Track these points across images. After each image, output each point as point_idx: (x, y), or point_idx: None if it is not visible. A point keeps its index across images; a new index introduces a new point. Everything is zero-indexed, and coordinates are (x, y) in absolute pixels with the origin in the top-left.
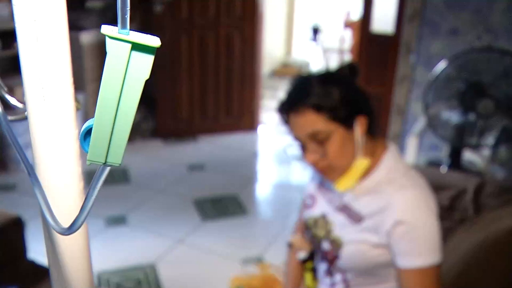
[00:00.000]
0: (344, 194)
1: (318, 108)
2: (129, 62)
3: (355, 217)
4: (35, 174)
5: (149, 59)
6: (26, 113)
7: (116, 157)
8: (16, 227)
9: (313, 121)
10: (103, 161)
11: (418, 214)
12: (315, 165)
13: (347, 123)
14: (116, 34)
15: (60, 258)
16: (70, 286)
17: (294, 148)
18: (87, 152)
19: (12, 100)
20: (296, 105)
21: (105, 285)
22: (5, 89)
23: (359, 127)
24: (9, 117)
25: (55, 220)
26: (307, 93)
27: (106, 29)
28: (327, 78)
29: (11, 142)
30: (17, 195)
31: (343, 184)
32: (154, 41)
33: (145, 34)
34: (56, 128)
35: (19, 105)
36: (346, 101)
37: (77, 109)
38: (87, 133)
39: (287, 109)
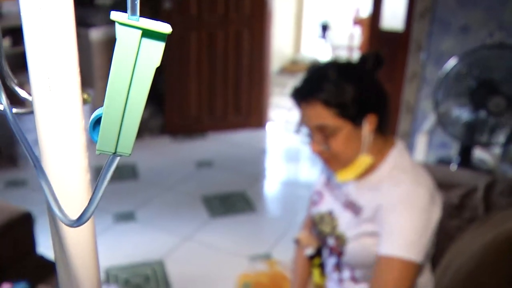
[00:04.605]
0: (347, 188)
1: (327, 104)
2: (140, 49)
3: (356, 210)
4: (41, 166)
5: (160, 46)
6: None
7: (126, 147)
8: (25, 222)
9: (321, 115)
10: (113, 151)
11: (407, 208)
12: (319, 155)
13: (355, 121)
14: (126, 20)
15: (66, 251)
16: (77, 279)
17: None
18: (96, 142)
19: (22, 93)
20: (307, 96)
21: (113, 281)
22: (15, 81)
23: (368, 125)
24: (15, 110)
25: (62, 212)
26: (320, 87)
27: (115, 15)
28: (345, 72)
29: (16, 134)
30: (27, 190)
31: (343, 175)
32: (165, 28)
33: (155, 21)
34: (62, 119)
35: (29, 97)
36: (358, 99)
37: (87, 102)
38: (96, 122)
39: (299, 97)
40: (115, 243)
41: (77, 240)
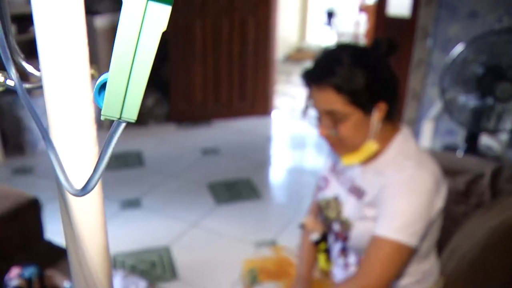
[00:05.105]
0: (353, 173)
1: (339, 89)
2: (145, 12)
3: (360, 194)
4: (49, 138)
5: (166, 9)
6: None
7: (131, 112)
8: (33, 208)
9: (332, 100)
10: (118, 116)
11: (408, 191)
12: (326, 138)
13: (366, 108)
14: None
15: (74, 221)
16: (86, 255)
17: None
18: (101, 107)
19: (29, 68)
20: (319, 80)
21: (120, 267)
22: (22, 56)
23: (377, 113)
24: (25, 85)
25: (68, 181)
26: (333, 72)
27: None
28: (359, 58)
29: (26, 108)
30: (34, 178)
31: (348, 159)
32: None
33: None
34: (70, 91)
35: (36, 73)
36: (370, 87)
37: (94, 77)
38: (102, 88)
39: (310, 79)
40: (121, 230)
41: (84, 209)
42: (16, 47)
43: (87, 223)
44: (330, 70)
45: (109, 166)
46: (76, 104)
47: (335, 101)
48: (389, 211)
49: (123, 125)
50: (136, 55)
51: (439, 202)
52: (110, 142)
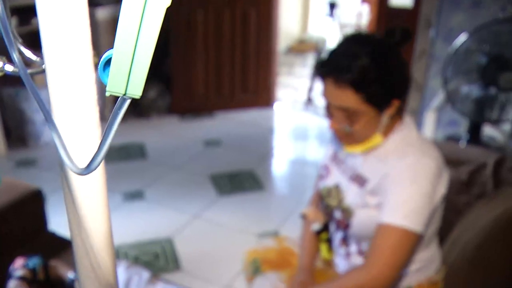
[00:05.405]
0: (355, 161)
1: (358, 89)
2: None
3: (362, 181)
4: (52, 119)
5: None
6: (43, 66)
7: (136, 89)
8: (36, 199)
9: (349, 98)
10: (123, 92)
11: (411, 177)
12: (335, 131)
13: (381, 107)
14: None
15: (76, 199)
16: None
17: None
18: (106, 84)
19: (28, 53)
20: (337, 76)
21: (123, 258)
22: (20, 40)
23: (390, 110)
24: (28, 70)
25: (72, 161)
26: (352, 70)
27: None
28: (378, 54)
29: (30, 93)
30: (37, 170)
31: (352, 148)
32: None
33: None
34: (73, 72)
35: (35, 58)
36: (387, 87)
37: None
38: (107, 64)
39: (327, 74)
40: (124, 222)
41: (87, 187)
42: (15, 32)
43: (90, 204)
44: (349, 68)
45: (111, 158)
46: (79, 84)
47: (352, 100)
48: (394, 199)
49: (128, 101)
50: (141, 30)
51: (442, 189)
52: (115, 119)
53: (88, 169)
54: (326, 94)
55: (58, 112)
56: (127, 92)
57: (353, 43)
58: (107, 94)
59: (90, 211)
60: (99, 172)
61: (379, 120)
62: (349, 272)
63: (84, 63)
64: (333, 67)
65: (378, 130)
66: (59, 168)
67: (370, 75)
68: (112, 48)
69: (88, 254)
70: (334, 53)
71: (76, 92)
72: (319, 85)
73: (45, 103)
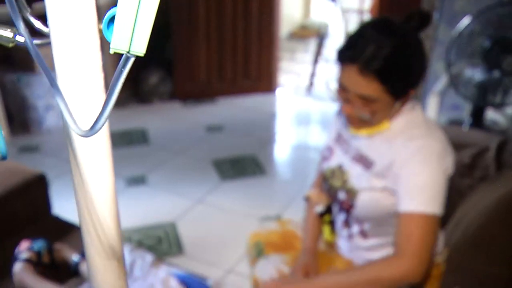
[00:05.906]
0: (359, 142)
1: (384, 81)
2: None
3: (367, 164)
4: (57, 84)
5: None
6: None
7: (140, 46)
8: (40, 183)
9: (372, 87)
10: (127, 50)
11: (422, 161)
12: (348, 115)
13: (398, 97)
14: None
15: (80, 162)
16: (94, 201)
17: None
18: (110, 42)
19: (37, 23)
20: (364, 65)
21: (127, 242)
22: (29, 10)
23: (404, 99)
24: (36, 41)
25: (76, 124)
26: (378, 59)
27: None
28: (404, 45)
29: (38, 64)
30: (40, 156)
31: (359, 131)
32: None
33: None
34: (78, 37)
35: (44, 28)
36: (408, 79)
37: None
38: (110, 21)
39: (350, 60)
40: (127, 206)
41: (91, 150)
42: (24, 1)
43: (95, 166)
44: (376, 58)
45: (114, 144)
46: (83, 48)
47: (375, 89)
48: (410, 186)
49: (132, 59)
50: None
51: (449, 168)
52: (118, 78)
53: (92, 130)
54: (345, 80)
55: (63, 76)
56: (131, 49)
57: (377, 30)
58: (111, 51)
59: (94, 171)
60: (104, 133)
61: (391, 106)
62: (377, 264)
63: (88, 26)
64: (359, 55)
65: (389, 116)
66: (64, 133)
67: (395, 67)
68: (116, 5)
69: (93, 222)
70: (358, 40)
71: (81, 56)
72: (320, 71)
73: (49, 71)
